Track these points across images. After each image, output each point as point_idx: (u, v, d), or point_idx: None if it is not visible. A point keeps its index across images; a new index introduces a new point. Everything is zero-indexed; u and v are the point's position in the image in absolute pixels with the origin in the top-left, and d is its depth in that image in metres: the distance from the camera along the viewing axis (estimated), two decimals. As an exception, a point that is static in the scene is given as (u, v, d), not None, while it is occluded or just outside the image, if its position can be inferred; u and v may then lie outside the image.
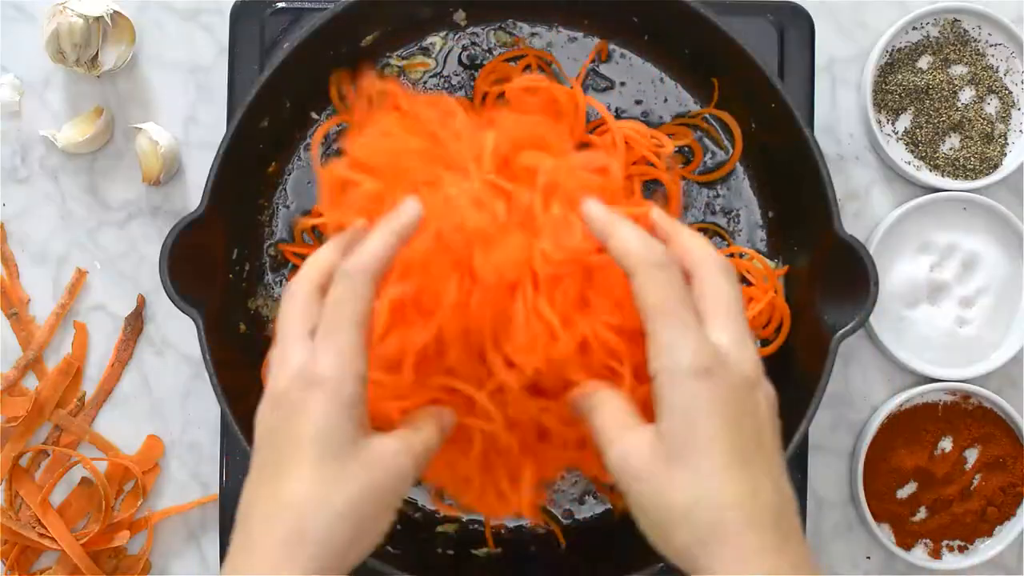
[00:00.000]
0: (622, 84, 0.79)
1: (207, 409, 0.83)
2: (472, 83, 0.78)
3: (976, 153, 0.82)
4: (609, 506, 0.77)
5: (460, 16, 0.77)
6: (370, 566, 0.70)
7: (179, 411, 0.84)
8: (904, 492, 0.82)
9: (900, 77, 0.83)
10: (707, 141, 0.79)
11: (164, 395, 0.84)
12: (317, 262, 0.57)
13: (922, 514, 0.82)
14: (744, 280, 0.76)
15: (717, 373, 0.51)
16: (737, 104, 0.77)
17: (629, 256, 0.53)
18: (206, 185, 0.71)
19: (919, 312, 0.82)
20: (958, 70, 0.83)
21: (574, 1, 0.77)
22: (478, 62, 0.78)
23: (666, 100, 0.79)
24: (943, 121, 0.82)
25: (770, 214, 0.78)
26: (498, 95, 0.76)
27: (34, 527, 0.81)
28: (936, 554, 0.82)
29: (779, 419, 0.54)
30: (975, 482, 0.82)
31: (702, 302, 0.53)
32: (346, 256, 0.55)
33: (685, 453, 0.50)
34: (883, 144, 0.82)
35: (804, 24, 0.80)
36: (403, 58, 0.77)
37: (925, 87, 0.82)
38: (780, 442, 0.53)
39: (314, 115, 0.78)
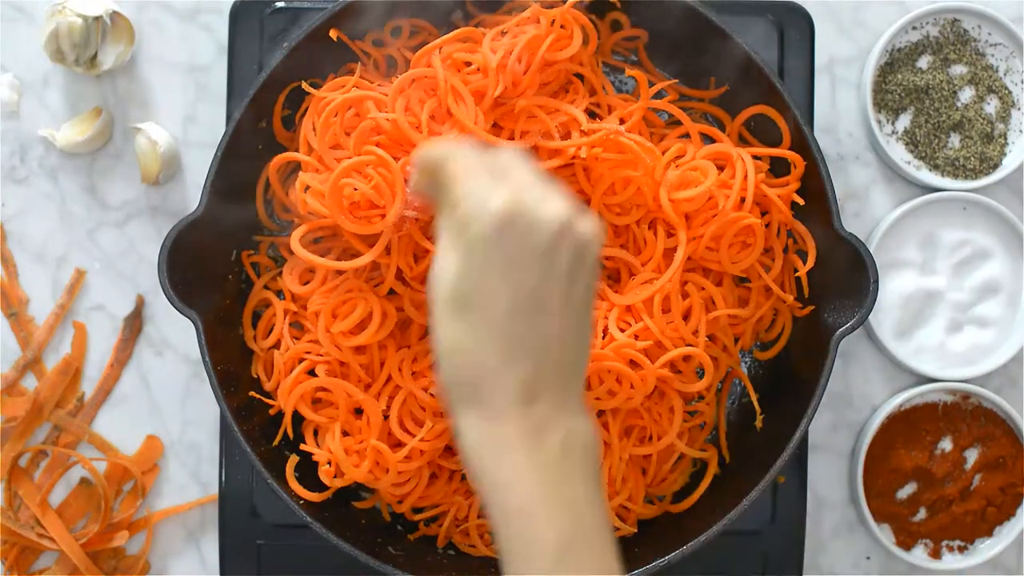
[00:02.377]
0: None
1: (206, 409, 0.83)
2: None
3: (976, 153, 0.82)
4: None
5: (458, 16, 0.77)
6: (371, 566, 0.70)
7: (178, 411, 0.83)
8: (904, 492, 0.82)
9: (900, 77, 0.83)
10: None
11: (163, 395, 0.84)
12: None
13: (922, 514, 0.82)
14: (744, 280, 0.76)
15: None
16: (734, 102, 0.77)
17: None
18: (205, 185, 0.71)
19: (919, 312, 0.82)
20: (958, 70, 0.83)
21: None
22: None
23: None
24: (943, 121, 0.82)
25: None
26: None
27: (33, 527, 0.81)
28: (936, 554, 0.82)
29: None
30: (975, 482, 0.82)
31: None
32: None
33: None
34: (883, 144, 0.82)
35: (804, 24, 0.80)
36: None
37: (925, 87, 0.82)
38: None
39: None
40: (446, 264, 0.52)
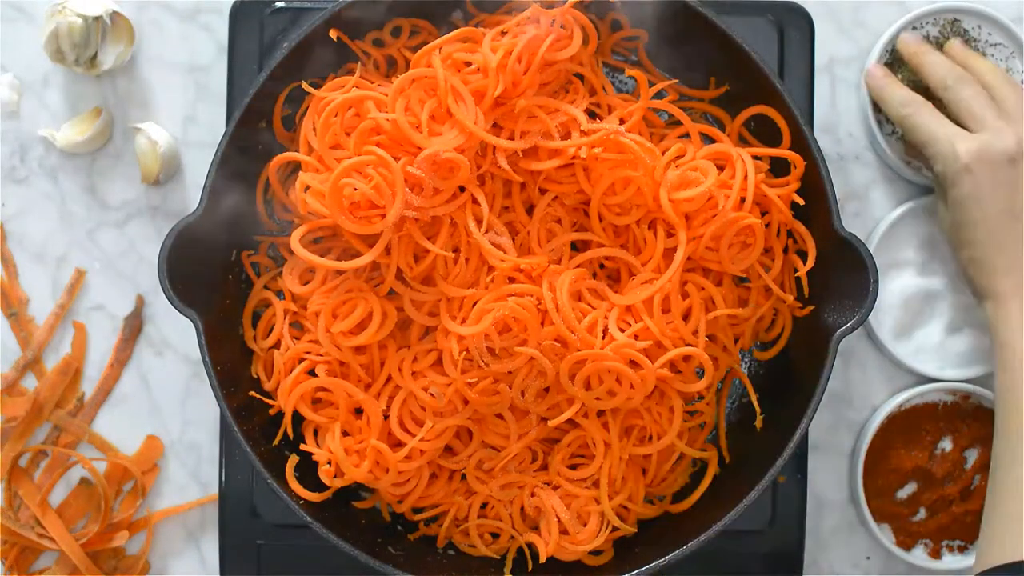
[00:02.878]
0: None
1: (206, 409, 0.83)
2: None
3: (976, 153, 0.82)
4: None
5: (458, 16, 0.77)
6: (371, 566, 0.70)
7: (178, 411, 0.84)
8: (904, 492, 0.82)
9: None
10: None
11: (163, 395, 0.84)
12: None
13: (922, 514, 0.82)
14: (744, 280, 0.76)
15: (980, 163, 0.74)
16: (734, 102, 0.77)
17: (940, 74, 0.79)
18: (205, 185, 0.71)
19: (919, 312, 0.82)
20: (958, 70, 0.83)
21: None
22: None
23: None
24: (943, 121, 0.82)
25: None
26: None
27: (33, 527, 0.81)
28: (936, 554, 0.82)
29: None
30: (975, 482, 0.82)
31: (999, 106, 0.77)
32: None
33: (965, 229, 0.76)
34: (883, 144, 0.82)
35: (804, 24, 0.80)
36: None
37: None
38: None
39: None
40: (954, 207, 0.76)
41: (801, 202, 0.73)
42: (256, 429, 0.73)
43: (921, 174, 0.82)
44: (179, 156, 0.84)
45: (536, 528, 0.74)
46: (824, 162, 0.71)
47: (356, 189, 0.68)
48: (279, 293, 0.76)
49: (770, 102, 0.74)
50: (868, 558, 0.84)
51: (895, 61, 0.83)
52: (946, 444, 0.82)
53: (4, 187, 0.84)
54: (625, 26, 0.77)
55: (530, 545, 0.74)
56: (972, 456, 0.82)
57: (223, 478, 0.79)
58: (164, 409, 0.84)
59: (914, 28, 0.83)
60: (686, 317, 0.72)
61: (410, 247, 0.71)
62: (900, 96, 0.79)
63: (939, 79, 0.78)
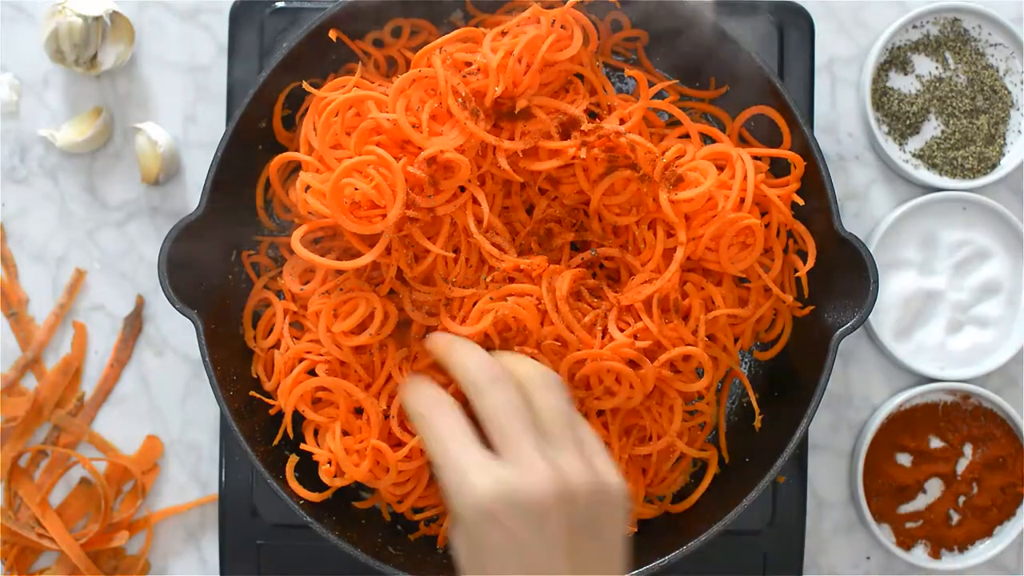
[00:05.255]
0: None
1: (206, 409, 0.83)
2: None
3: (975, 153, 0.82)
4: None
5: (458, 16, 0.77)
6: (371, 566, 0.70)
7: (178, 411, 0.84)
8: (905, 492, 0.82)
9: (893, 80, 0.83)
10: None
11: (163, 395, 0.84)
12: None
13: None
14: (744, 280, 0.76)
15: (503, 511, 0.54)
16: (734, 102, 0.77)
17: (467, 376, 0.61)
18: (205, 185, 0.71)
19: (919, 312, 0.82)
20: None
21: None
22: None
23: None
24: (943, 121, 0.82)
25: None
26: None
27: (33, 527, 0.81)
28: (936, 554, 0.82)
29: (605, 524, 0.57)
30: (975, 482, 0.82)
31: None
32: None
33: None
34: (882, 143, 0.82)
35: (804, 24, 0.80)
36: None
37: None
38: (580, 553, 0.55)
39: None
40: (455, 542, 0.58)
41: (801, 202, 0.73)
42: (256, 429, 0.73)
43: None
44: (179, 156, 0.84)
45: None
46: (824, 162, 0.72)
47: (357, 189, 0.68)
48: (279, 293, 0.76)
49: (770, 102, 0.74)
50: (868, 558, 0.84)
51: (894, 61, 0.83)
52: (946, 444, 0.82)
53: (4, 187, 0.84)
54: (625, 26, 0.77)
55: None
56: (972, 456, 0.82)
57: (223, 478, 0.79)
58: (164, 409, 0.84)
59: (914, 27, 0.83)
60: (686, 317, 0.72)
61: (410, 247, 0.71)
62: (418, 393, 0.64)
63: (469, 379, 0.60)
